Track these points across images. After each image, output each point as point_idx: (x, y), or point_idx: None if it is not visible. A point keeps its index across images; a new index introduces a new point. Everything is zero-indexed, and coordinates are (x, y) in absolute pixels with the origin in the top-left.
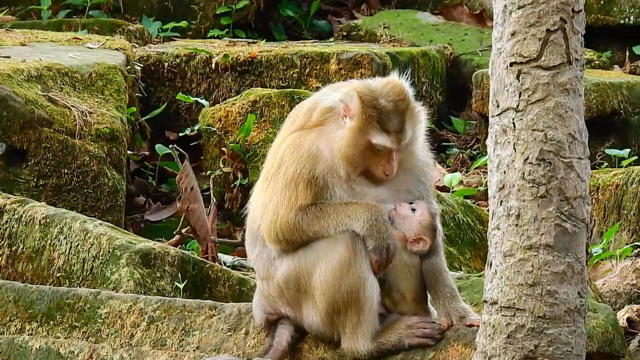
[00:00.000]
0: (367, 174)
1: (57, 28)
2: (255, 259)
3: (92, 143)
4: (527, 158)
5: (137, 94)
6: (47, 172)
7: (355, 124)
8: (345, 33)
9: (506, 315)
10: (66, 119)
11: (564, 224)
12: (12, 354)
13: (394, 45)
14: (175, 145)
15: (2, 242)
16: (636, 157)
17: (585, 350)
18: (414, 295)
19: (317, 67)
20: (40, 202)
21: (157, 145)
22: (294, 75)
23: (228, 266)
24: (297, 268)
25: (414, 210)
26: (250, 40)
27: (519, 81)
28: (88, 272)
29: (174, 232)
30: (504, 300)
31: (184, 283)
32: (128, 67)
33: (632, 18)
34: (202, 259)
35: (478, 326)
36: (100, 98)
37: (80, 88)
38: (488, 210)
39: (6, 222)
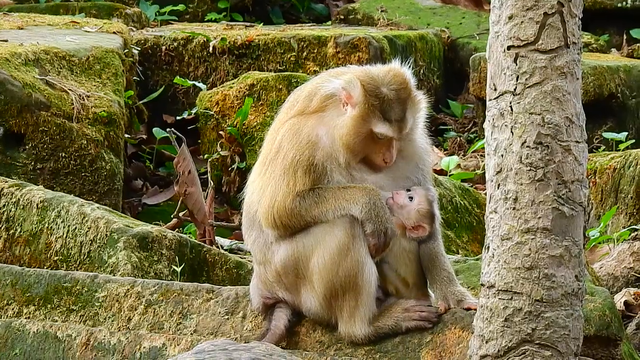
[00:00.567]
0: (366, 161)
1: (55, 12)
2: (252, 243)
3: (89, 127)
4: (525, 141)
5: (134, 78)
6: (45, 155)
7: (357, 112)
8: (342, 16)
9: (503, 299)
10: (64, 102)
11: (562, 208)
12: (9, 338)
13: (391, 29)
14: (172, 129)
15: (0, 226)
16: (633, 141)
17: (583, 334)
18: (414, 279)
19: (315, 51)
20: (38, 185)
21: (154, 129)
22: (292, 58)
23: (225, 249)
24: (295, 253)
25: (411, 198)
26: (248, 24)
27: (516, 65)
28: (85, 256)
29: (172, 216)
30: (502, 284)
31: (182, 266)
32: (125, 51)
33: (629, 1)
34: (199, 242)
35: (475, 309)
36: (98, 82)
37: (78, 72)
38: (485, 194)
39: (4, 205)
